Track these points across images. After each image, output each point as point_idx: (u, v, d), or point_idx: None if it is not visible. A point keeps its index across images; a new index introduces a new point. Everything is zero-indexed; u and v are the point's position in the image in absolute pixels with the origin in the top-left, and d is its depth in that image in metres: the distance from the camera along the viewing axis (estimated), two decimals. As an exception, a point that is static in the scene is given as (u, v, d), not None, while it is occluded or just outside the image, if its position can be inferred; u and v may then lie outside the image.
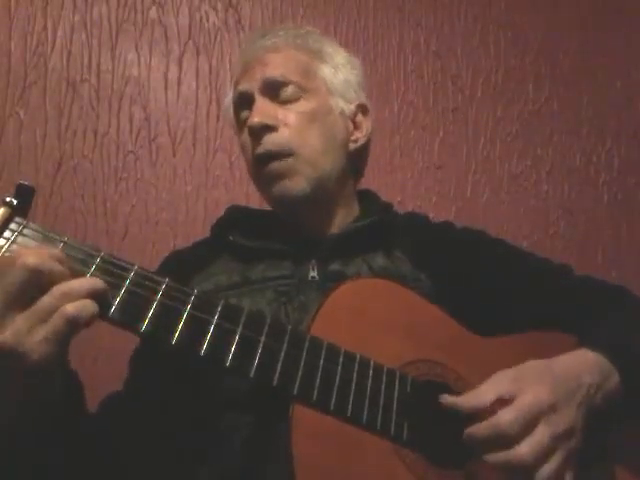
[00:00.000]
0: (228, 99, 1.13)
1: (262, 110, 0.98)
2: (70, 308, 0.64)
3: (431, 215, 1.17)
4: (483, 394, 0.77)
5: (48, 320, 0.63)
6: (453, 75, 1.84)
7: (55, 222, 1.47)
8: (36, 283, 0.64)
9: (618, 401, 0.83)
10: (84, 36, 1.59)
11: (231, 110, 1.10)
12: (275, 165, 0.97)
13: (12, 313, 0.63)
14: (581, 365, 0.82)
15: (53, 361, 0.65)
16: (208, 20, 1.67)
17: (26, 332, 0.63)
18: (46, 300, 0.64)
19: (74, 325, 0.64)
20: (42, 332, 0.63)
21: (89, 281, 0.67)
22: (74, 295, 0.64)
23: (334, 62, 1.06)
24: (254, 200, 1.52)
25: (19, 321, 0.63)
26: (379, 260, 0.98)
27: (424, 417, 0.79)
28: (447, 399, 0.78)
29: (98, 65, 1.58)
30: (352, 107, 1.06)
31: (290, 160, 0.97)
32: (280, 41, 1.04)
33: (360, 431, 0.75)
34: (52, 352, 0.64)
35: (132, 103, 1.59)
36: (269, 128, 0.97)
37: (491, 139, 1.83)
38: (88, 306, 0.65)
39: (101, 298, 0.67)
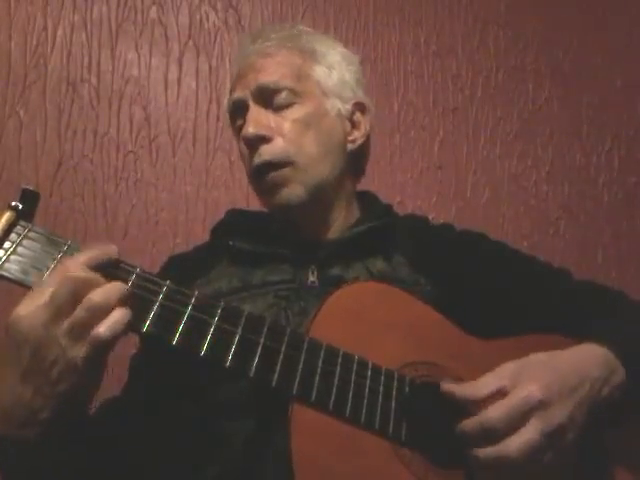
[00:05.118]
0: (226, 104, 1.12)
1: (256, 120, 0.98)
2: (103, 330, 0.66)
3: (431, 215, 1.18)
4: (481, 386, 0.77)
5: (85, 337, 0.66)
6: (453, 75, 1.83)
7: (55, 222, 1.47)
8: (82, 294, 0.66)
9: (621, 396, 0.83)
10: (84, 36, 1.58)
11: (228, 118, 1.09)
12: (272, 175, 0.97)
13: (57, 329, 0.65)
14: (588, 359, 0.83)
15: (94, 374, 0.69)
16: (208, 20, 1.67)
17: (70, 348, 0.65)
18: (80, 315, 0.66)
19: (110, 344, 0.67)
20: (82, 352, 0.66)
21: (116, 290, 0.68)
22: (104, 309, 0.66)
23: (327, 61, 1.05)
24: (254, 200, 1.51)
25: (62, 339, 0.65)
26: (379, 264, 0.98)
27: (422, 417, 0.80)
28: (446, 386, 0.78)
29: (98, 65, 1.58)
30: (349, 106, 1.05)
31: (287, 170, 0.97)
32: (271, 45, 1.03)
33: (359, 431, 0.75)
34: (91, 369, 0.67)
35: (132, 103, 1.59)
36: (264, 139, 0.97)
37: (491, 139, 1.83)
38: (119, 322, 0.67)
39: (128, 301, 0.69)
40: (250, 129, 0.97)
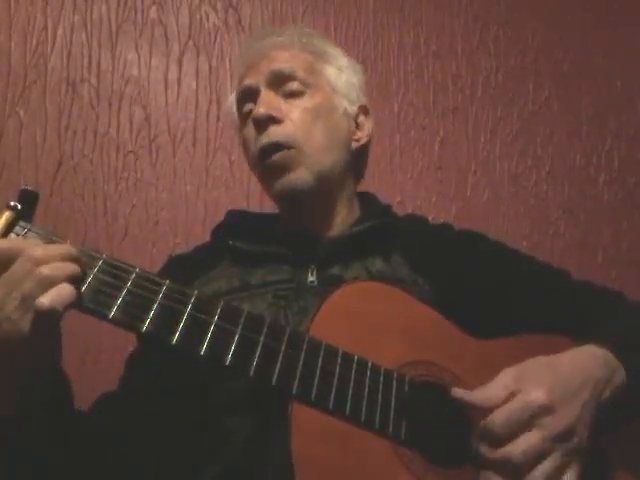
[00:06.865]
0: (230, 99, 1.13)
1: (268, 101, 0.99)
2: (43, 300, 0.66)
3: (431, 215, 1.18)
4: (492, 393, 0.77)
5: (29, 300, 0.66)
6: (453, 75, 1.83)
7: (55, 222, 1.47)
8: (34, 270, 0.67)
9: (622, 398, 0.83)
10: (84, 36, 1.59)
11: (234, 109, 1.10)
12: (278, 156, 0.97)
13: (10, 304, 0.66)
14: (589, 360, 0.83)
15: (46, 339, 0.69)
16: (208, 20, 1.67)
17: (20, 320, 0.66)
18: (28, 287, 0.66)
19: (53, 315, 0.66)
20: (28, 322, 0.66)
21: (67, 267, 0.69)
22: (51, 281, 0.67)
23: (338, 64, 1.08)
24: (254, 200, 1.53)
25: (14, 313, 0.66)
26: (378, 264, 0.98)
27: (422, 417, 0.80)
28: (458, 391, 0.78)
29: (98, 65, 1.58)
30: (354, 108, 1.07)
31: (293, 151, 0.97)
32: (286, 40, 1.05)
33: (359, 430, 0.75)
34: (40, 337, 0.67)
35: (132, 103, 1.59)
36: (274, 120, 0.98)
37: (491, 139, 1.83)
38: (62, 295, 0.67)
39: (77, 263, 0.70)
40: (261, 109, 0.98)
